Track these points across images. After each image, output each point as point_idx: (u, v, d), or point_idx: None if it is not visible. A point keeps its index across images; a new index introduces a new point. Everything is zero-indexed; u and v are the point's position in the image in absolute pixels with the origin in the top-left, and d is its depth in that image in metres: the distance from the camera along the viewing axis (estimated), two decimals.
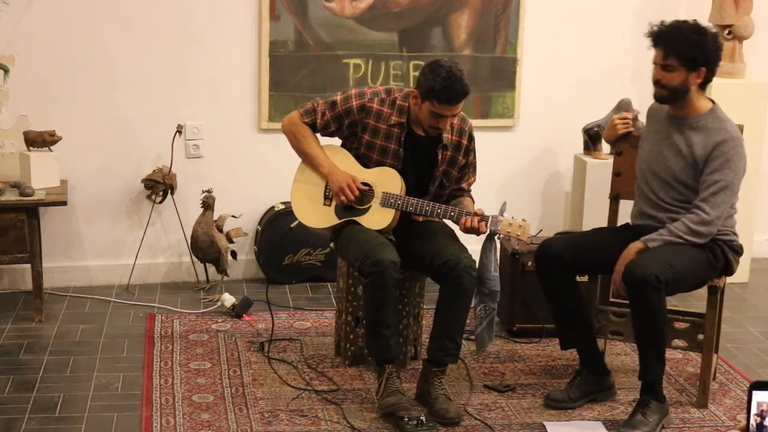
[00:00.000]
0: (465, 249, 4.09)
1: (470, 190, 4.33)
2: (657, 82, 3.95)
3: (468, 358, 4.49)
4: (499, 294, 4.15)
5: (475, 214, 4.02)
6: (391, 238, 4.15)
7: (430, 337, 4.11)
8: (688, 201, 3.95)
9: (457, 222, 4.06)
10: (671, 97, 3.96)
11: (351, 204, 4.16)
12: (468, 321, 4.15)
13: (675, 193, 3.99)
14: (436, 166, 4.17)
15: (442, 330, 4.04)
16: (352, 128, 4.18)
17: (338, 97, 4.19)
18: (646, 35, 3.96)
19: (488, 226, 4.01)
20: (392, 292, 4.01)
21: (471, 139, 4.24)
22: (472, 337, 4.67)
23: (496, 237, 4.07)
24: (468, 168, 4.28)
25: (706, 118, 3.95)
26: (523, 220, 4.01)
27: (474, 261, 4.03)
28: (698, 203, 3.90)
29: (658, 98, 4.00)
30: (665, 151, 4.01)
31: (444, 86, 3.91)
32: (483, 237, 4.10)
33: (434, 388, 4.00)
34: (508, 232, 3.99)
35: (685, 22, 3.94)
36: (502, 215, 4.01)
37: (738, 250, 4.04)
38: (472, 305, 4.15)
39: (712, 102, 4.01)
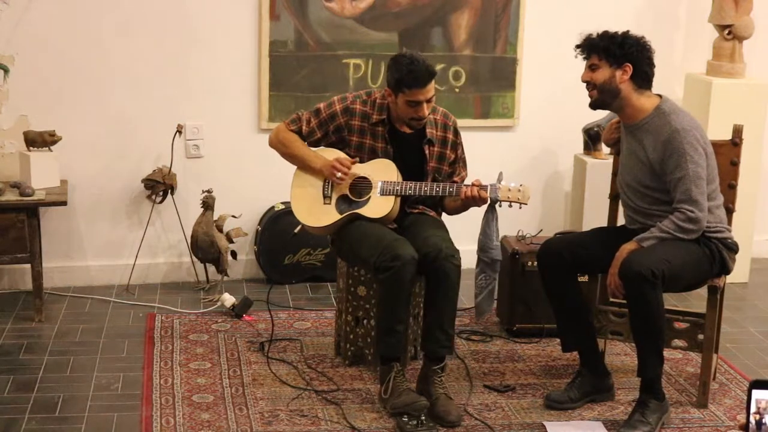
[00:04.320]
0: (448, 239, 4.11)
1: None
2: (587, 84, 3.98)
3: (468, 358, 4.50)
4: (500, 263, 4.23)
5: (473, 184, 4.07)
6: (394, 227, 4.17)
7: (422, 334, 4.12)
8: (665, 202, 3.94)
9: (457, 196, 4.12)
10: (603, 98, 3.96)
11: (350, 197, 4.19)
12: (457, 316, 4.17)
13: (649, 199, 3.99)
14: (425, 162, 4.22)
15: (432, 323, 4.04)
16: (339, 133, 4.24)
17: (322, 105, 4.29)
18: (575, 48, 4.00)
19: (488, 194, 4.07)
20: (409, 287, 4.03)
21: (456, 133, 4.31)
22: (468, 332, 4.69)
23: (496, 205, 4.13)
24: (458, 162, 4.34)
25: (652, 117, 3.94)
26: (521, 185, 4.07)
27: (457, 250, 4.07)
28: (676, 206, 3.88)
29: (591, 103, 4.01)
30: (629, 161, 4.04)
31: (409, 71, 4.02)
32: (483, 210, 4.18)
33: (435, 388, 4.00)
34: (509, 197, 4.07)
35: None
36: (500, 183, 4.08)
37: (732, 248, 4.03)
38: (474, 274, 4.26)
39: (660, 97, 3.98)
